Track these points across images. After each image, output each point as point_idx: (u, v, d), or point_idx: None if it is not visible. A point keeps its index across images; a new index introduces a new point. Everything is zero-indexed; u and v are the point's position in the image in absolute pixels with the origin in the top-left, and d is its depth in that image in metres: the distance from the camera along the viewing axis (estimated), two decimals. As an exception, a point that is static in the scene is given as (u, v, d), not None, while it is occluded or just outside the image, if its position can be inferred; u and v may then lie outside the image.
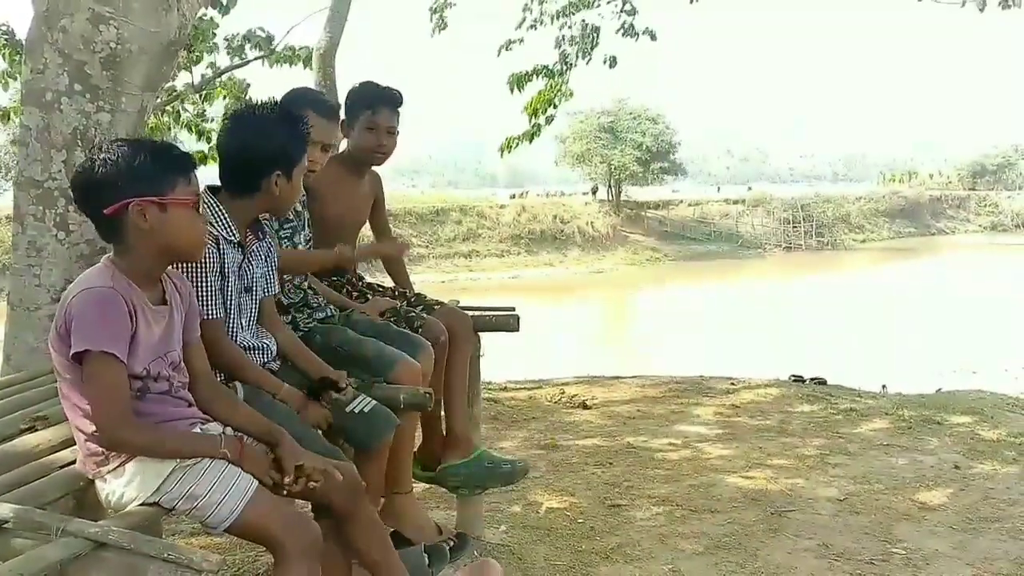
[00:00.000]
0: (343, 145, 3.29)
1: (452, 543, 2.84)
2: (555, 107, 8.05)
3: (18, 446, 2.09)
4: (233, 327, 2.34)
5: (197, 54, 7.80)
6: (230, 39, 8.15)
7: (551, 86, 7.94)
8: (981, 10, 7.20)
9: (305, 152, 2.41)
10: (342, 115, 3.11)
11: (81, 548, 1.63)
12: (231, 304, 2.33)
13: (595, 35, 7.81)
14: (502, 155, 8.62)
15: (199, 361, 2.12)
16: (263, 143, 2.30)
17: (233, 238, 2.33)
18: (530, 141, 8.23)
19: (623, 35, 7.80)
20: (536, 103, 7.96)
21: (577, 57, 7.88)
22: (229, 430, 2.04)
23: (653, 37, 7.86)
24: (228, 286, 2.32)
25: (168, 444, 1.90)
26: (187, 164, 1.98)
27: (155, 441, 1.89)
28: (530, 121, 8.06)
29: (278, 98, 2.68)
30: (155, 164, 1.91)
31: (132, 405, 1.88)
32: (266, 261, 2.47)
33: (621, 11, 7.79)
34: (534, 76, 7.90)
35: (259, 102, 2.47)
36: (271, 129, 2.32)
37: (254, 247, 2.42)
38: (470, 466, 3.17)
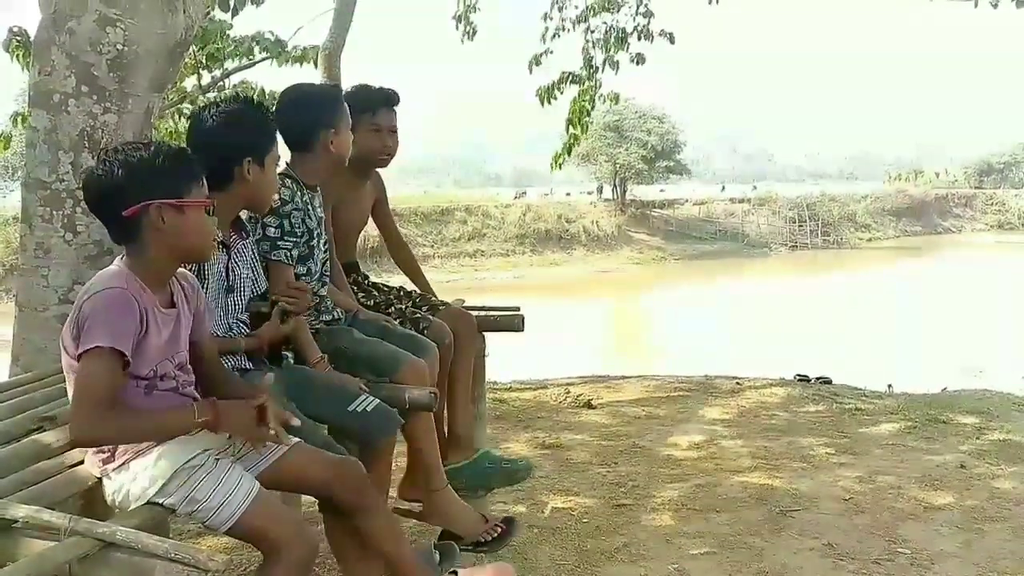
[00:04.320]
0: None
1: (500, 529, 2.87)
2: (589, 114, 8.02)
3: (26, 446, 2.10)
4: (219, 328, 2.36)
5: (211, 52, 7.76)
6: (238, 41, 8.13)
7: (583, 93, 7.92)
8: (995, 6, 7.15)
9: (275, 141, 2.43)
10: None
11: (89, 548, 1.65)
12: (213, 305, 2.33)
13: (623, 38, 7.78)
14: (552, 170, 8.67)
15: (208, 356, 2.15)
16: (229, 132, 2.34)
17: (216, 237, 2.32)
18: (569, 153, 8.24)
19: (639, 38, 7.77)
20: (572, 113, 7.93)
21: (605, 65, 7.85)
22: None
23: (672, 40, 7.82)
24: (207, 288, 2.32)
25: (141, 430, 1.90)
26: (199, 168, 2.02)
27: (126, 429, 1.89)
28: (567, 130, 8.04)
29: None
30: (172, 167, 1.95)
31: (134, 401, 1.91)
32: (252, 261, 2.49)
33: (637, 13, 7.77)
34: (563, 85, 7.86)
35: (222, 97, 2.51)
36: (236, 118, 2.36)
37: (239, 246, 2.44)
38: (472, 467, 3.18)
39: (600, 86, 7.96)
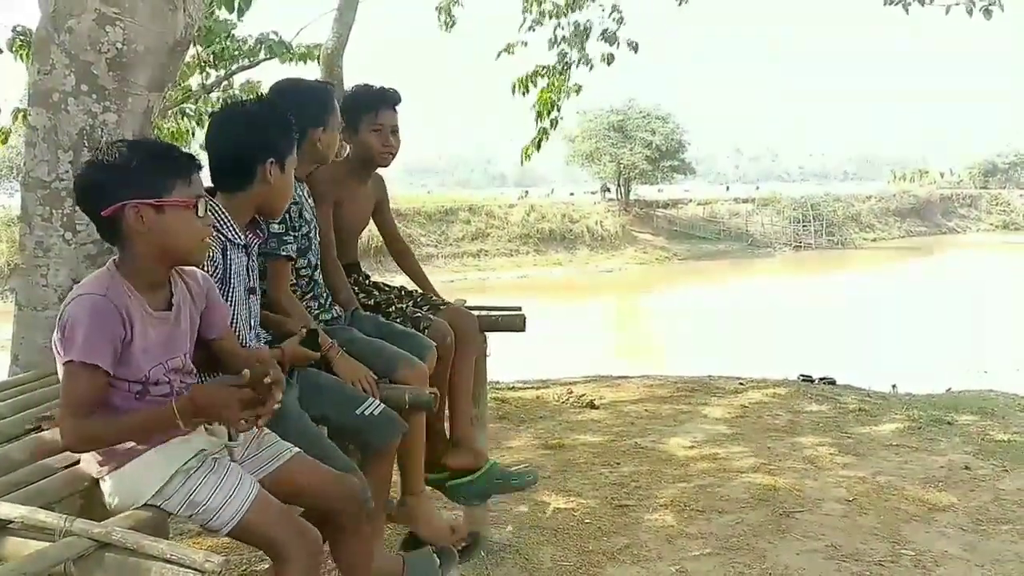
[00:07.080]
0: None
1: (465, 543, 2.85)
2: (559, 108, 8.07)
3: (24, 446, 2.09)
4: (240, 332, 2.32)
5: (216, 51, 7.75)
6: (242, 41, 8.13)
7: (552, 85, 7.97)
8: (970, 13, 7.17)
9: (295, 144, 2.40)
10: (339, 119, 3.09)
11: (85, 548, 1.63)
12: (237, 308, 2.31)
13: (585, 35, 7.85)
14: (522, 163, 8.69)
15: (229, 351, 2.13)
16: (253, 132, 2.32)
17: (239, 240, 2.32)
18: (538, 148, 8.25)
19: (602, 40, 7.82)
20: (539, 105, 7.97)
21: (579, 63, 7.92)
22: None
23: (635, 49, 7.89)
24: (232, 292, 2.30)
25: (122, 434, 1.87)
26: (187, 166, 1.95)
27: (107, 435, 1.87)
28: (536, 123, 8.08)
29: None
30: (152, 165, 1.90)
31: (126, 405, 1.88)
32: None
33: (609, 16, 7.81)
34: (536, 78, 7.93)
35: (244, 98, 2.48)
36: (259, 119, 2.35)
37: (255, 245, 2.42)
38: (479, 483, 3.15)
39: (569, 79, 8.01)
